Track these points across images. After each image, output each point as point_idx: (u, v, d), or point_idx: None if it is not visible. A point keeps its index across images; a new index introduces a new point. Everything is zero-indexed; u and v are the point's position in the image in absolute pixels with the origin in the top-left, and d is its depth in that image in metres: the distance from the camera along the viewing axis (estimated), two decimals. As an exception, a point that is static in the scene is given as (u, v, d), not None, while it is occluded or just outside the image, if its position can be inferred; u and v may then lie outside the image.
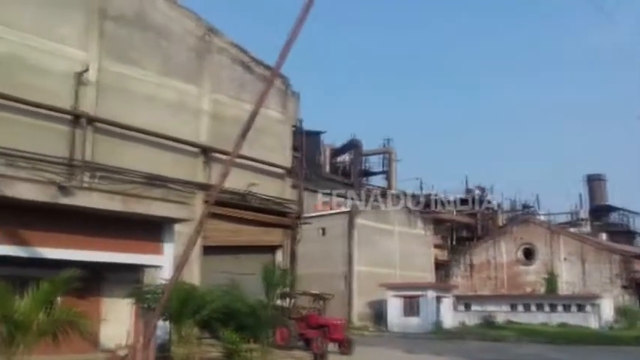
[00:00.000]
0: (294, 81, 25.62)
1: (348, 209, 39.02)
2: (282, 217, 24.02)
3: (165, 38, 20.65)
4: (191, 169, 20.65)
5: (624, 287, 39.25)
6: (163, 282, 12.35)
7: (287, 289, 14.00)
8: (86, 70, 17.55)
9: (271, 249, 23.92)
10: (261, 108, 8.42)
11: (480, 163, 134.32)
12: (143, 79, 19.56)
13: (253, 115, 8.20)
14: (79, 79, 17.37)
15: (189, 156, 20.79)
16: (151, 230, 14.50)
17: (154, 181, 18.95)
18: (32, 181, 13.46)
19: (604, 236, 52.88)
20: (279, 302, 16.85)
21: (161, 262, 14.45)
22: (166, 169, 19.55)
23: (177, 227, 15.16)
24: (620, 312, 37.17)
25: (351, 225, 37.78)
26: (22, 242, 12.49)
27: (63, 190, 12.75)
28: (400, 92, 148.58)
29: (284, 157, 24.77)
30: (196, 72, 21.60)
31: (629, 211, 67.20)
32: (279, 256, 23.79)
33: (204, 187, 20.62)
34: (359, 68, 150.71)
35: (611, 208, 69.23)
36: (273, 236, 23.93)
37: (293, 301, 19.64)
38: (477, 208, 61.34)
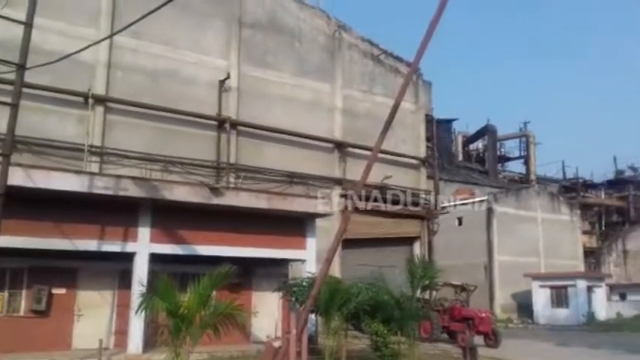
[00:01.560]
0: (423, 69, 25.37)
1: (485, 197, 37.77)
2: (419, 208, 23.86)
3: (298, 39, 21.36)
4: (327, 165, 21.20)
5: None
6: (309, 275, 12.83)
7: (429, 281, 13.87)
8: (228, 78, 18.67)
9: (409, 240, 23.89)
10: (399, 102, 8.42)
11: (631, 142, 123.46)
12: (279, 81, 20.41)
13: (394, 110, 8.24)
14: (222, 86, 18.53)
15: (324, 152, 21.36)
16: (294, 226, 15.13)
17: (293, 178, 19.73)
18: (186, 184, 14.61)
19: None
20: (424, 294, 16.74)
21: (305, 256, 15.04)
22: (304, 166, 20.25)
23: (320, 222, 15.70)
24: None
25: (489, 213, 36.55)
26: (180, 241, 13.62)
27: (214, 191, 13.70)
28: (535, 71, 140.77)
29: (418, 147, 24.60)
30: (329, 70, 22.10)
31: None
32: (416, 247, 23.70)
33: (340, 181, 21.08)
34: (491, 50, 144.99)
35: None
36: (410, 228, 23.86)
37: (435, 293, 19.44)
38: (629, 189, 56.66)
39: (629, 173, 58.23)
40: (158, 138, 17.14)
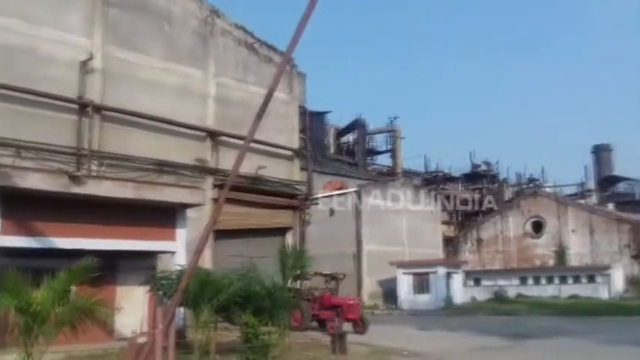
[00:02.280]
0: (298, 60, 25.45)
1: (355, 189, 38.98)
2: (291, 199, 24.00)
3: (168, 22, 20.45)
4: (199, 154, 20.59)
5: (634, 257, 39.25)
6: (178, 268, 12.36)
7: (300, 271, 14.00)
8: (91, 58, 17.43)
9: (281, 231, 23.94)
10: (273, 90, 8.28)
11: (486, 138, 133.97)
12: (148, 65, 19.42)
13: (268, 98, 8.08)
14: (85, 67, 17.26)
15: (196, 140, 20.71)
16: (163, 217, 14.50)
17: (163, 167, 18.92)
18: (43, 172, 13.44)
19: (611, 206, 52.72)
20: (292, 284, 16.84)
21: (174, 248, 14.47)
22: (175, 154, 19.50)
23: (191, 213, 15.18)
24: (631, 282, 37.21)
25: (358, 204, 37.76)
26: (35, 233, 12.50)
27: (74, 179, 12.74)
28: (404, 69, 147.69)
29: (291, 138, 24.67)
30: (201, 55, 21.42)
31: (636, 180, 66.94)
32: (289, 238, 23.82)
33: (212, 171, 20.58)
34: (362, 46, 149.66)
35: (618, 178, 69.01)
36: (282, 218, 23.93)
37: (306, 282, 19.67)
38: (483, 183, 61.34)
39: (483, 168, 63.00)
40: (10, 120, 15.59)
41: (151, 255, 14.80)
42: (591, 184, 64.22)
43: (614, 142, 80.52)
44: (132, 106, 18.44)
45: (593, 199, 57.41)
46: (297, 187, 24.42)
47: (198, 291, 10.30)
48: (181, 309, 12.12)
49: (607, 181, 68.68)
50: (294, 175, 24.61)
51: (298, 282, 18.76)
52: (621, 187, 68.91)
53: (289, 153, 24.37)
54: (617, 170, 71.80)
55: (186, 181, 18.72)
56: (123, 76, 18.51)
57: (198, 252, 8.45)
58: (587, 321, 24.04)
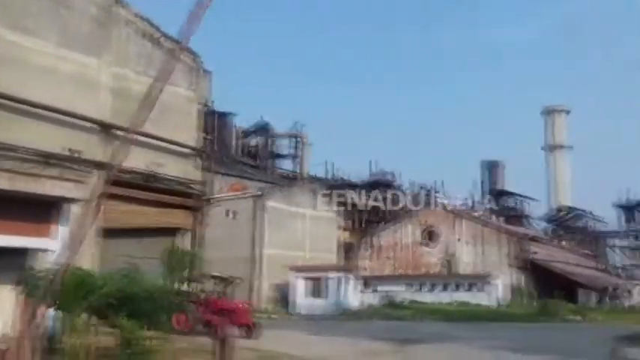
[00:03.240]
0: (207, 60, 24.70)
1: (258, 192, 38.62)
2: (188, 198, 23.19)
3: (66, 6, 19.12)
4: (90, 147, 19.38)
5: (518, 267, 41.59)
6: (53, 267, 11.47)
7: (191, 273, 13.45)
8: (-26, 38, 15.92)
9: (176, 232, 23.08)
10: (167, 84, 7.88)
11: (388, 149, 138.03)
12: (41, 50, 18.01)
13: (156, 90, 7.66)
14: (-36, 47, 15.75)
15: (89, 133, 19.47)
16: (42, 211, 13.47)
17: (50, 159, 17.61)
18: None
19: (500, 219, 55.71)
20: (184, 287, 16.24)
21: (53, 246, 13.44)
22: (64, 146, 18.20)
23: (74, 209, 14.19)
24: (514, 290, 39.41)
25: (260, 207, 37.43)
26: None
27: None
28: (313, 78, 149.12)
29: (191, 136, 23.80)
30: (100, 45, 20.10)
31: (523, 196, 71.32)
32: (183, 239, 23.00)
33: (104, 166, 19.43)
34: (273, 52, 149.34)
35: (507, 193, 73.19)
36: (177, 219, 23.01)
37: (198, 285, 19.06)
38: (383, 192, 62.78)
39: (383, 177, 64.51)
40: None
41: (25, 252, 13.65)
42: (482, 198, 67.51)
43: (506, 159, 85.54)
44: (21, 93, 17.01)
45: (484, 212, 60.28)
46: (195, 186, 23.64)
47: (71, 292, 9.56)
48: (52, 312, 11.24)
49: (496, 195, 72.58)
50: (193, 174, 23.78)
51: (190, 284, 18.16)
52: (510, 201, 73.08)
53: (188, 151, 23.55)
54: (507, 186, 76.26)
55: (75, 175, 17.55)
56: (12, 60, 17.04)
57: (72, 250, 7.83)
58: (472, 327, 25.12)
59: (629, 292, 47.26)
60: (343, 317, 31.10)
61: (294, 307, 35.23)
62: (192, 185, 23.35)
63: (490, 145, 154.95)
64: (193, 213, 23.51)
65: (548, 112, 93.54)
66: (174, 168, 22.36)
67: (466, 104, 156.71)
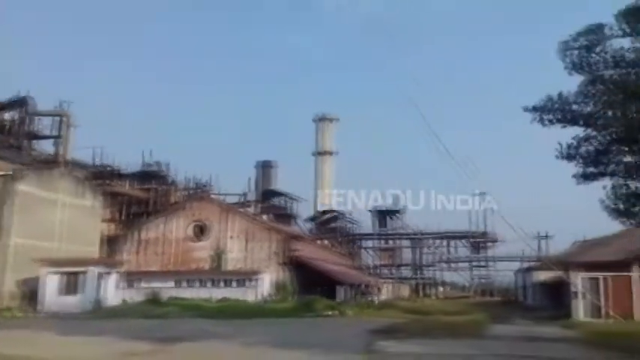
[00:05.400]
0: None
1: (8, 172, 33.86)
2: None
3: None
4: None
5: (282, 264, 42.80)
6: None
7: None
8: None
9: None
10: None
11: (161, 139, 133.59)
12: None
13: None
14: None
15: None
16: None
17: None
18: None
19: (269, 217, 57.11)
20: None
21: None
22: None
23: None
24: (277, 286, 40.47)
25: (8, 191, 32.84)
26: None
27: None
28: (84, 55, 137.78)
29: None
30: None
31: (291, 196, 74.40)
32: None
33: None
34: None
35: (277, 193, 75.69)
36: None
37: None
38: (154, 183, 60.11)
39: (155, 168, 61.78)
40: None
41: None
42: (253, 196, 68.70)
43: (286, 161, 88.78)
44: None
45: (255, 209, 61.28)
46: None
47: None
48: None
49: (267, 194, 74.64)
50: None
51: None
52: (278, 200, 75.67)
53: None
54: (280, 186, 79.01)
55: None
56: None
57: None
58: (236, 323, 24.89)
59: (379, 289, 52.04)
60: (98, 315, 28.59)
61: (44, 304, 31.49)
62: None
63: (275, 148, 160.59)
64: None
65: (319, 120, 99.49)
66: None
67: (255, 107, 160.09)
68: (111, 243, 46.30)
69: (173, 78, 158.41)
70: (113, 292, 34.78)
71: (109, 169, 55.70)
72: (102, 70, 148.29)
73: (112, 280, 34.97)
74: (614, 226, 42.23)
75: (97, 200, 41.42)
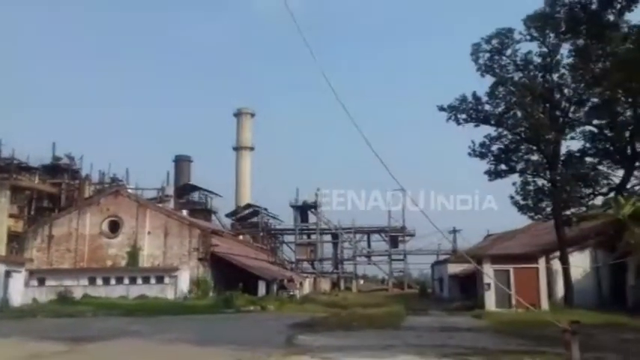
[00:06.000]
0: None
1: None
2: None
3: None
4: None
5: (200, 259, 42.10)
6: None
7: None
8: None
9: None
10: None
11: (71, 131, 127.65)
12: None
13: None
14: None
15: None
16: None
17: None
18: None
19: (186, 212, 55.94)
20: None
21: None
22: None
23: None
24: (196, 283, 39.77)
25: None
26: None
27: None
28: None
29: None
30: None
31: (209, 191, 73.22)
32: None
33: None
34: None
35: (194, 188, 74.23)
36: None
37: None
38: (63, 177, 57.46)
39: (65, 161, 59.07)
40: None
41: None
42: (171, 190, 67.06)
43: (195, 154, 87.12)
44: None
45: (171, 204, 59.86)
46: None
47: None
48: None
49: (184, 189, 73.03)
50: None
51: None
52: (196, 195, 74.23)
53: None
54: (194, 180, 77.49)
55: None
56: None
57: None
58: (154, 321, 24.25)
59: (301, 284, 52.23)
60: (5, 315, 26.97)
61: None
62: None
63: (196, 143, 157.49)
64: None
65: (237, 115, 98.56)
66: None
67: (174, 100, 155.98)
68: (18, 240, 43.90)
69: (84, 67, 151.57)
70: (21, 290, 33.02)
71: (15, 162, 52.75)
72: None
73: (20, 278, 33.13)
74: (518, 221, 44.99)
75: (2, 195, 38.99)
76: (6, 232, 39.19)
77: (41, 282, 38.14)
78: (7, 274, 31.43)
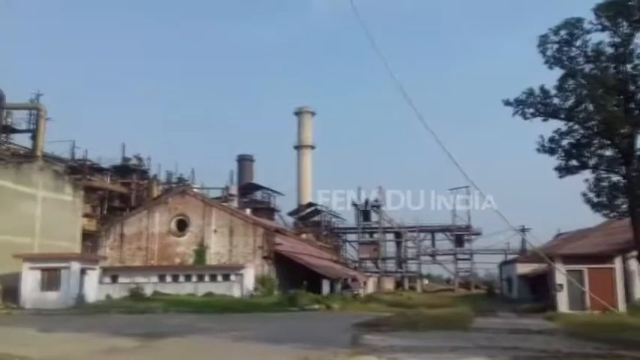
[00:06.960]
0: None
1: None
2: None
3: None
4: None
5: (265, 258, 42.65)
6: None
7: None
8: None
9: None
10: None
11: (140, 133, 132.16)
12: None
13: None
14: None
15: None
16: None
17: None
18: None
19: (249, 211, 56.82)
20: None
21: None
22: None
23: None
24: (261, 281, 40.28)
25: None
26: None
27: None
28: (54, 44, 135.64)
29: None
30: None
31: (271, 190, 74.13)
32: None
33: None
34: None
35: (257, 187, 75.33)
36: None
37: None
38: (133, 177, 59.50)
39: (134, 162, 61.17)
40: None
41: None
42: (234, 190, 68.34)
43: (256, 153, 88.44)
44: None
45: (235, 203, 60.96)
46: None
47: None
48: None
49: (247, 188, 74.28)
50: None
51: None
52: (259, 194, 75.32)
53: None
54: (257, 179, 78.70)
55: None
56: None
57: None
58: (221, 318, 24.70)
59: (365, 283, 52.10)
60: (79, 311, 28.15)
61: (21, 300, 30.90)
62: None
63: (256, 142, 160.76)
64: None
65: (298, 114, 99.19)
66: None
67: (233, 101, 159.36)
68: (91, 238, 45.72)
69: (147, 74, 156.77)
70: (95, 287, 34.30)
71: (88, 163, 54.95)
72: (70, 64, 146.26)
73: (94, 275, 34.47)
74: (589, 219, 43.12)
75: (77, 195, 40.71)
76: (80, 231, 40.81)
77: (114, 279, 39.53)
78: (83, 271, 32.75)
